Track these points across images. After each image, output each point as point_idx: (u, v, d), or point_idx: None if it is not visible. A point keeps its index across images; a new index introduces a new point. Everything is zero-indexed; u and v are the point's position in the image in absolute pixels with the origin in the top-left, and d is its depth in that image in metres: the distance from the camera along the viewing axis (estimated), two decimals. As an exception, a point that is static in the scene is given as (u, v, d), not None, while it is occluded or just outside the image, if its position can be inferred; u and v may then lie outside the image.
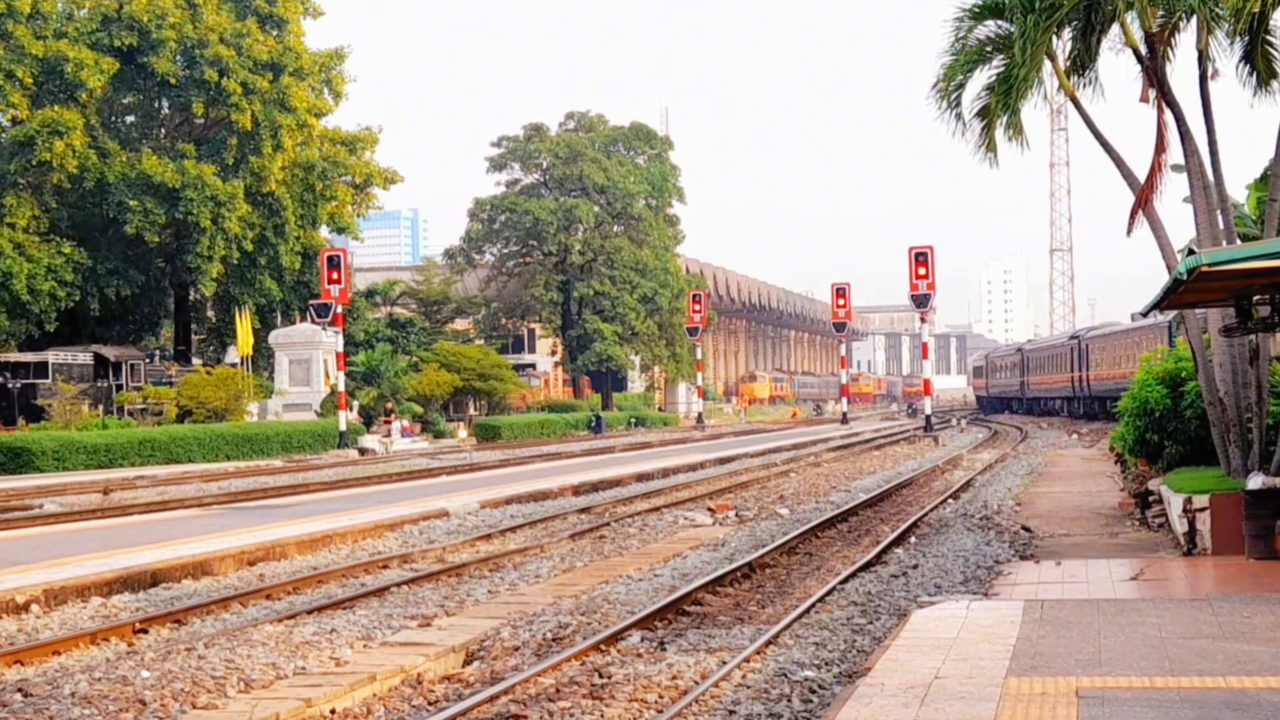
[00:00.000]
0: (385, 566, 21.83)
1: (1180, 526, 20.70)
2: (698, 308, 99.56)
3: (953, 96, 24.58)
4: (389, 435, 67.06)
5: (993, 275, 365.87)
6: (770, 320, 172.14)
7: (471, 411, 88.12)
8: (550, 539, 25.02)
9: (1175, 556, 20.29)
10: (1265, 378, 21.96)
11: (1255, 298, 17.50)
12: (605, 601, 17.62)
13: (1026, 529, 24.45)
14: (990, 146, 24.49)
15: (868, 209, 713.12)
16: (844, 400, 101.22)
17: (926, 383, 79.60)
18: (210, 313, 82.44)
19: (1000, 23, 23.81)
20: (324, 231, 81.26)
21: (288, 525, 25.95)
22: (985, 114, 24.30)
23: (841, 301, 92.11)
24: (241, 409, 65.60)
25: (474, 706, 12.09)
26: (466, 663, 14.60)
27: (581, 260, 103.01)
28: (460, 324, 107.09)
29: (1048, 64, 23.49)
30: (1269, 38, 22.05)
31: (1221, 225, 22.56)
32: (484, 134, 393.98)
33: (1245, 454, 21.68)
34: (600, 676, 13.28)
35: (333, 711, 12.36)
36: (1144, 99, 23.40)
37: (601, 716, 11.84)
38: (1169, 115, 22.75)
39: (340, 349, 67.05)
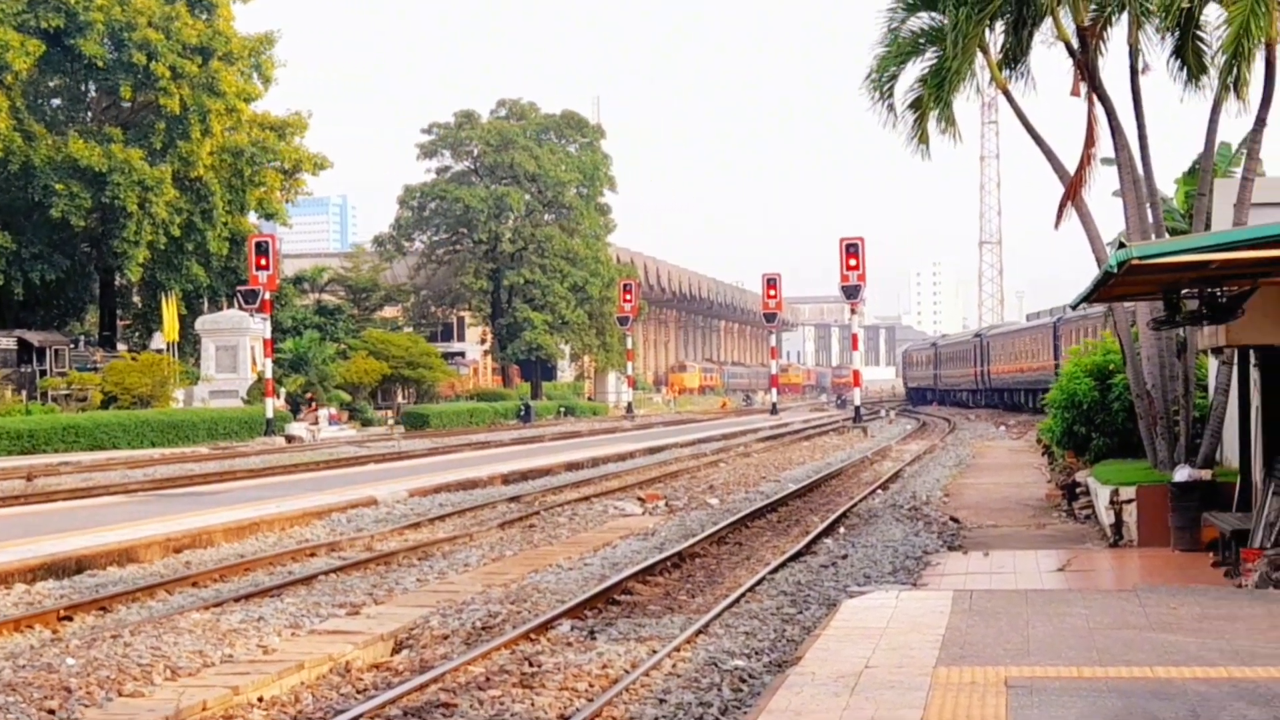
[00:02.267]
0: (313, 554, 21.69)
1: (1107, 518, 20.88)
2: (628, 297, 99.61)
3: (886, 88, 24.63)
4: (316, 423, 66.66)
5: (922, 267, 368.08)
6: (701, 310, 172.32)
7: (400, 399, 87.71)
8: (479, 528, 24.93)
9: (1102, 548, 20.47)
10: (1192, 371, 22.18)
11: (1184, 291, 17.62)
12: (535, 590, 17.58)
13: (955, 520, 24.60)
14: (922, 138, 24.56)
15: (799, 200, 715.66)
16: (774, 391, 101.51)
17: (856, 374, 80.00)
18: (136, 298, 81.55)
19: (933, 15, 23.88)
20: (252, 217, 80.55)
21: (214, 512, 25.73)
22: (918, 106, 24.37)
23: (772, 292, 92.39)
24: (167, 395, 64.98)
25: (403, 695, 12.01)
26: (395, 651, 14.53)
27: (512, 248, 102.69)
28: (389, 311, 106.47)
29: (980, 57, 23.56)
30: (1199, 33, 22.21)
31: (1151, 219, 22.74)
32: (415, 121, 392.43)
33: (1172, 446, 21.88)
34: (530, 665, 13.24)
35: (260, 699, 12.25)
36: (1075, 93, 23.53)
37: (532, 705, 11.79)
38: (1100, 109, 22.89)
39: (268, 336, 66.56)
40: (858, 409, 75.12)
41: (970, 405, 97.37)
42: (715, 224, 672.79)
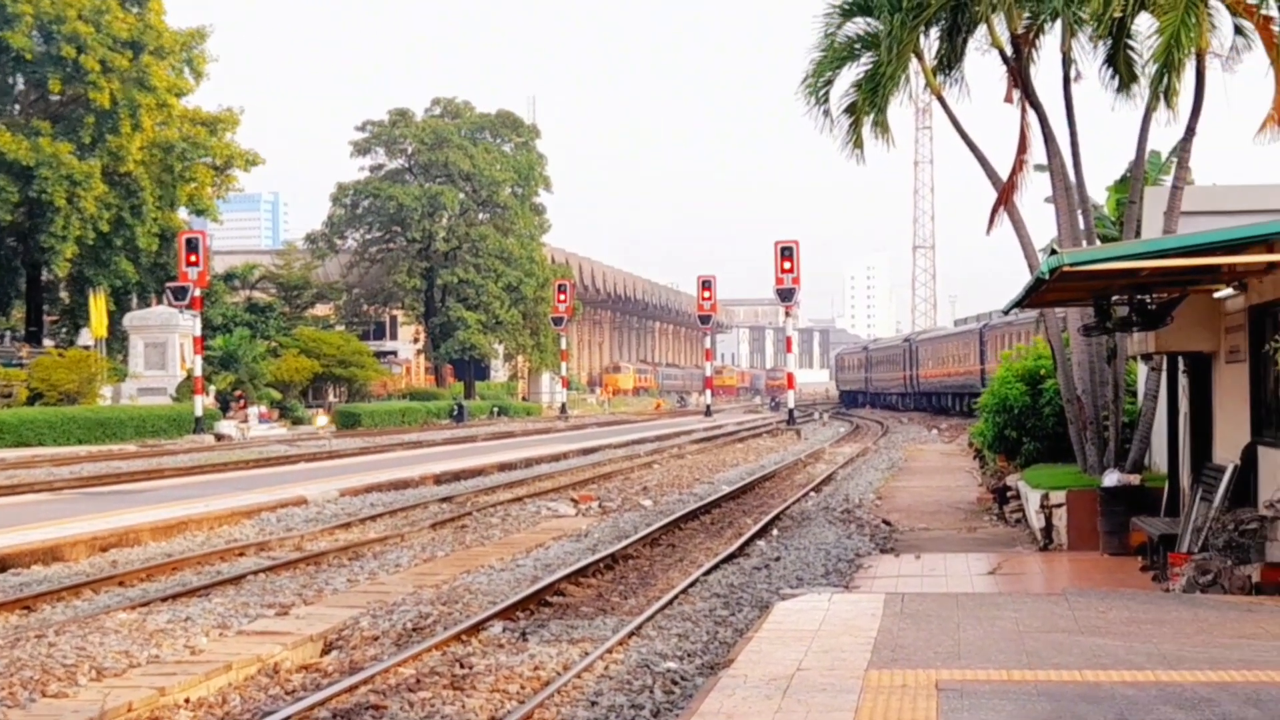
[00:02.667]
0: (242, 554, 21.51)
1: (1037, 522, 21.02)
2: (563, 297, 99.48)
3: (821, 93, 24.68)
4: (246, 421, 66.17)
5: (856, 271, 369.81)
6: (635, 311, 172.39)
7: (331, 398, 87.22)
8: (411, 528, 24.81)
9: (1032, 551, 20.61)
10: (1122, 377, 22.38)
11: (1114, 298, 17.77)
12: (467, 591, 17.50)
13: (887, 523, 24.70)
14: (857, 143, 24.63)
15: (735, 202, 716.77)
16: (708, 392, 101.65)
17: (790, 376, 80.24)
18: (64, 294, 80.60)
19: (869, 20, 23.95)
20: (182, 213, 79.87)
21: (142, 511, 25.48)
22: (853, 111, 24.44)
23: (707, 294, 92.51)
24: (94, 392, 64.31)
25: (332, 697, 11.92)
26: (325, 652, 14.42)
27: (446, 247, 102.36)
28: (321, 309, 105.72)
29: (915, 63, 23.67)
30: (1130, 43, 22.40)
31: (1082, 225, 22.93)
32: (348, 118, 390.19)
33: (1101, 451, 22.07)
34: (462, 667, 13.17)
35: (187, 701, 12.13)
36: (1008, 99, 23.69)
37: (463, 707, 11.73)
38: (1033, 116, 23.06)
39: (197, 333, 66.00)
40: (791, 411, 75.34)
41: (900, 408, 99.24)
42: (651, 225, 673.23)
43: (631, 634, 14.62)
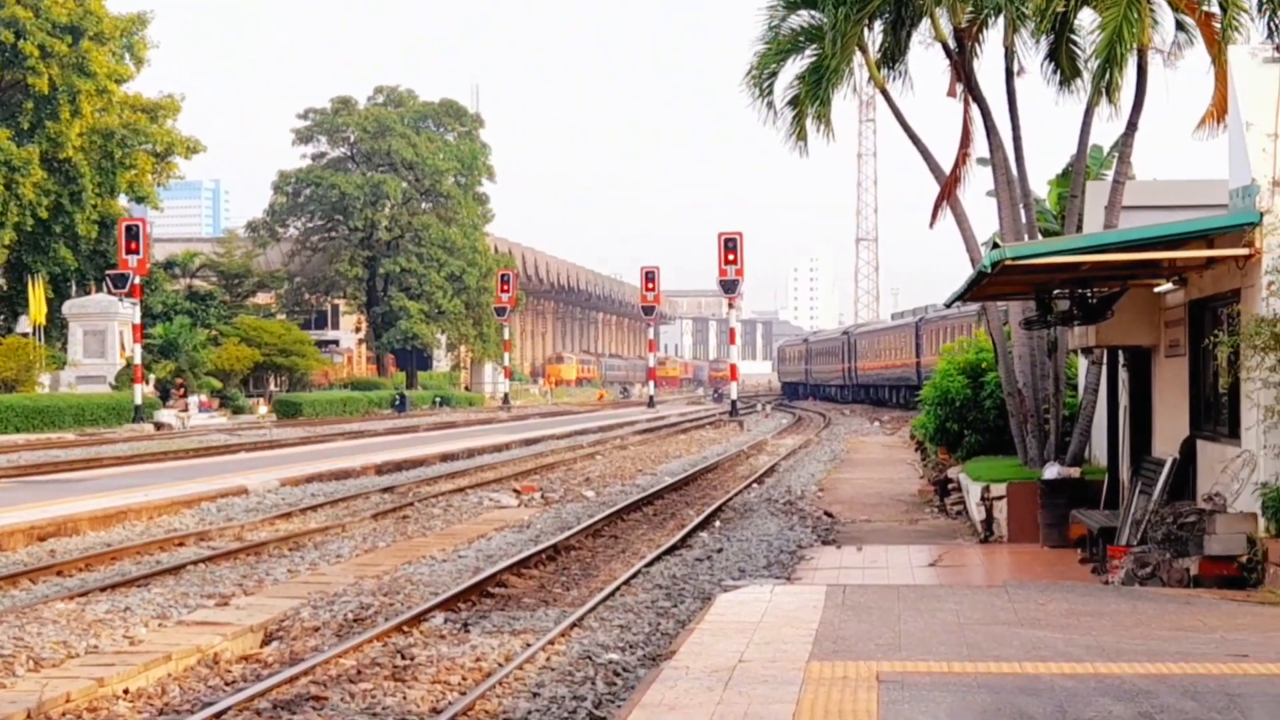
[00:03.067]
0: (181, 544, 21.34)
1: (978, 514, 21.13)
2: (506, 287, 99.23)
3: (765, 85, 24.71)
4: (186, 410, 65.72)
5: (800, 263, 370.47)
6: (579, 302, 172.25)
7: (272, 387, 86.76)
8: (352, 518, 24.69)
9: (973, 543, 20.71)
10: (1063, 370, 22.52)
11: (1055, 292, 17.88)
12: (408, 582, 17.43)
13: (829, 514, 24.76)
14: (801, 135, 24.67)
15: (679, 194, 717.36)
16: (651, 383, 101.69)
17: (733, 368, 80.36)
18: (1, 281, 79.84)
19: (813, 13, 23.99)
20: (123, 200, 79.25)
21: (80, 500, 25.25)
22: (796, 103, 24.48)
23: (650, 285, 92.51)
24: (33, 380, 63.73)
25: (273, 687, 11.85)
26: (265, 643, 14.33)
27: (388, 236, 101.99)
28: (262, 298, 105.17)
29: (859, 56, 23.75)
30: (1073, 38, 22.54)
31: (1024, 219, 23.05)
32: (291, 105, 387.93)
33: (1042, 444, 22.20)
34: (403, 658, 13.11)
35: (126, 691, 12.03)
36: (951, 93, 23.79)
37: (404, 698, 11.68)
38: (975, 110, 23.17)
39: (137, 321, 65.51)
40: (734, 403, 75.46)
41: (839, 400, 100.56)
42: (595, 217, 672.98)
43: (573, 625, 14.60)
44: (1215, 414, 15.86)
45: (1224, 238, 14.42)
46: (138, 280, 64.93)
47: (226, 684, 12.43)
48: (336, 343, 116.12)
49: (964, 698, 9.58)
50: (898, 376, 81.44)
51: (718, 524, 23.77)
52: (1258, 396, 13.69)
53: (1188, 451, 16.26)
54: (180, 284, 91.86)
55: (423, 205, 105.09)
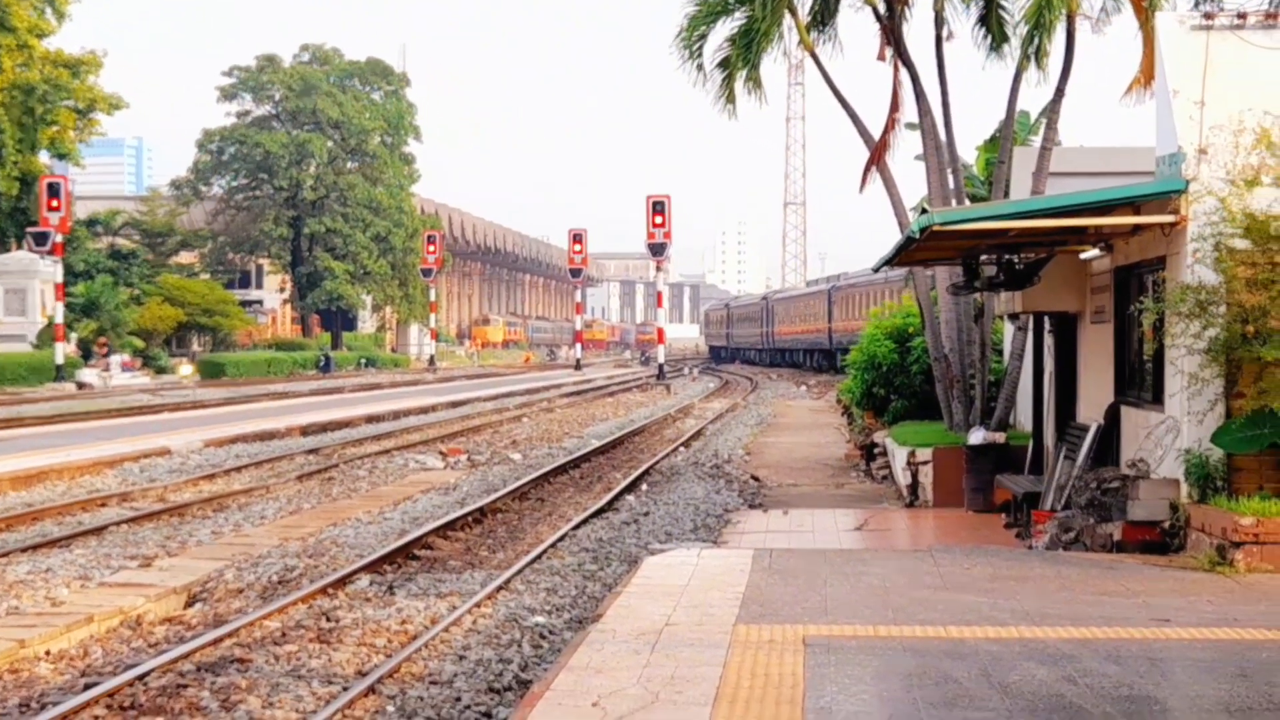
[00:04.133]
0: (104, 505, 21.13)
1: (904, 479, 21.24)
2: (432, 248, 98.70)
3: (695, 47, 24.58)
4: (108, 369, 65.04)
5: (728, 227, 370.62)
6: (506, 264, 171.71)
7: (196, 347, 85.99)
8: (277, 480, 24.52)
9: (899, 508, 20.82)
10: (989, 336, 22.63)
11: (982, 258, 17.93)
12: (333, 544, 17.33)
13: (756, 478, 24.82)
14: (730, 98, 24.58)
15: (608, 156, 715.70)
16: (578, 346, 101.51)
17: (660, 331, 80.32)
18: (-80, 237, 78.78)
19: (745, -25, 23.87)
20: (44, 157, 78.07)
21: (0, 460, 24.93)
22: (726, 66, 24.38)
23: (578, 247, 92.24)
24: (-49, 339, 62.90)
25: (197, 649, 11.75)
26: (189, 605, 14.22)
27: (314, 196, 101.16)
28: (185, 257, 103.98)
29: (789, 18, 23.65)
30: (1002, 3, 22.58)
31: (952, 185, 23.10)
32: (215, 63, 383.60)
33: (968, 409, 22.32)
34: (328, 620, 13.03)
35: (48, 653, 11.92)
36: (881, 57, 23.78)
37: (329, 660, 11.60)
38: (905, 74, 23.16)
39: (59, 279, 64.67)
40: (661, 366, 75.46)
41: (758, 363, 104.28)
42: (523, 179, 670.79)
43: (500, 588, 14.56)
44: (1140, 380, 15.97)
45: (1150, 205, 14.49)
46: (59, 238, 64.09)
47: (150, 646, 12.32)
48: (261, 303, 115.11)
49: (889, 661, 9.61)
50: (812, 341, 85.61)
51: (645, 487, 23.76)
52: (1182, 363, 13.79)
53: (1112, 417, 16.38)
54: (102, 242, 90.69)
55: (348, 165, 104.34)
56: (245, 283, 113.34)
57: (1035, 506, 16.87)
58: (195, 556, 16.55)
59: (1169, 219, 14.13)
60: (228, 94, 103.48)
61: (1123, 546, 14.08)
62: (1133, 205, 14.69)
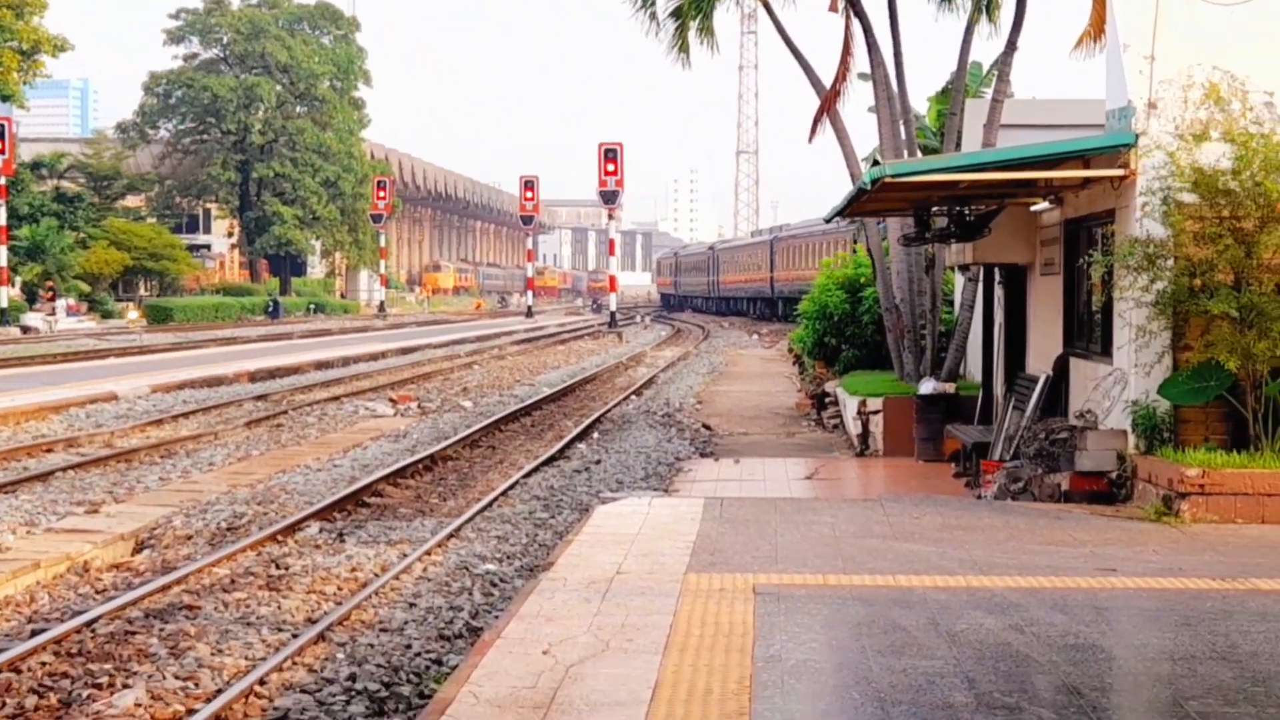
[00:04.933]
0: (50, 450, 20.99)
1: (854, 428, 21.32)
2: (382, 194, 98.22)
3: (648, -3, 24.52)
4: (53, 314, 64.54)
5: (680, 174, 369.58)
6: (457, 210, 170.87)
7: (143, 292, 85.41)
8: (225, 426, 24.41)
9: (849, 457, 20.90)
10: (939, 287, 22.72)
11: (934, 209, 17.98)
12: (282, 491, 17.29)
13: (707, 427, 24.87)
14: (683, 48, 24.55)
15: (560, 103, 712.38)
16: (529, 293, 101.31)
17: (612, 279, 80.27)
18: None
19: (699, -78, 23.78)
20: (-13, 98, 77.07)
21: (-56, 405, 24.74)
22: (679, 15, 24.33)
23: (529, 194, 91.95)
24: (-107, 283, 62.21)
25: (145, 596, 11.70)
26: (136, 551, 14.17)
27: (262, 140, 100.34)
28: (132, 201, 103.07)
29: (742, -32, 23.61)
30: (954, -47, 22.59)
31: (904, 136, 23.12)
32: (162, 4, 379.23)
33: (918, 360, 22.42)
34: (277, 568, 13.01)
35: (-7, 601, 11.83)
36: (833, 8, 23.74)
37: (279, 608, 11.58)
38: (857, 25, 23.14)
39: (3, 223, 64.00)
40: (613, 314, 75.44)
41: (705, 310, 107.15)
42: (475, 125, 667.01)
43: (450, 536, 14.56)
44: (1088, 332, 16.07)
45: (1100, 158, 14.54)
46: (3, 181, 63.45)
47: (97, 592, 12.27)
48: (209, 247, 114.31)
49: (839, 609, 9.67)
50: (755, 290, 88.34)
51: (596, 435, 23.79)
52: (1130, 315, 13.88)
53: (1061, 369, 16.48)
54: (47, 185, 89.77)
55: (297, 109, 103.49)
56: (193, 227, 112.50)
57: (984, 456, 16.98)
58: (143, 503, 16.48)
59: (1118, 173, 14.19)
60: (175, 36, 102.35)
61: (1070, 496, 14.18)
62: (1082, 159, 14.74)
